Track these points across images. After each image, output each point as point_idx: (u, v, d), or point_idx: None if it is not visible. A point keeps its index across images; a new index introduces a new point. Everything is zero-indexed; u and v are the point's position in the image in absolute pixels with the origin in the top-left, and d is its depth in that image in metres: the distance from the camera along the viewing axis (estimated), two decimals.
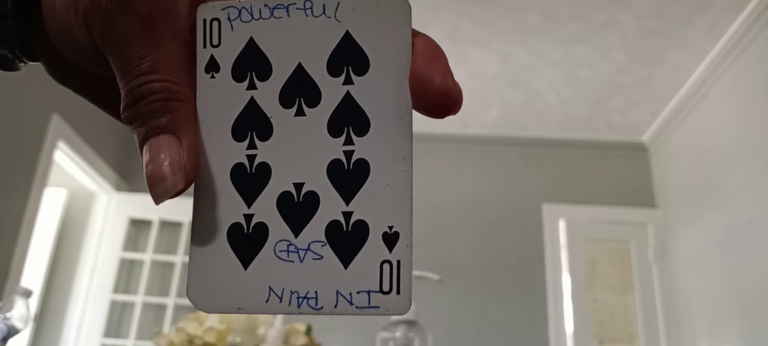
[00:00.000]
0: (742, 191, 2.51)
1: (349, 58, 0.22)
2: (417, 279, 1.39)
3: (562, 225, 3.29)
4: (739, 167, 2.53)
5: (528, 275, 3.21)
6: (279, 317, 1.17)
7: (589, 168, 3.42)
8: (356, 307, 0.21)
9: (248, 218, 0.22)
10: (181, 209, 3.14)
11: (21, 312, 1.23)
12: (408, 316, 1.30)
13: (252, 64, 0.22)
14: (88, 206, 3.18)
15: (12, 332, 1.21)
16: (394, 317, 1.31)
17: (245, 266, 0.21)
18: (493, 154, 3.46)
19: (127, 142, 3.30)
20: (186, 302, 3.07)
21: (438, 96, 0.21)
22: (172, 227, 3.22)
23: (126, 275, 3.16)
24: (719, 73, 2.68)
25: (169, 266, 3.17)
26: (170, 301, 3.07)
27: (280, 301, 0.21)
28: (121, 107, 0.21)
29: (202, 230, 0.22)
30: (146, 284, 3.09)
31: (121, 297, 3.08)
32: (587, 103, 3.12)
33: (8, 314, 1.22)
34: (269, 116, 0.22)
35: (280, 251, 0.21)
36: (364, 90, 0.22)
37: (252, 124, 0.22)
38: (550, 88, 3.02)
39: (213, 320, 1.14)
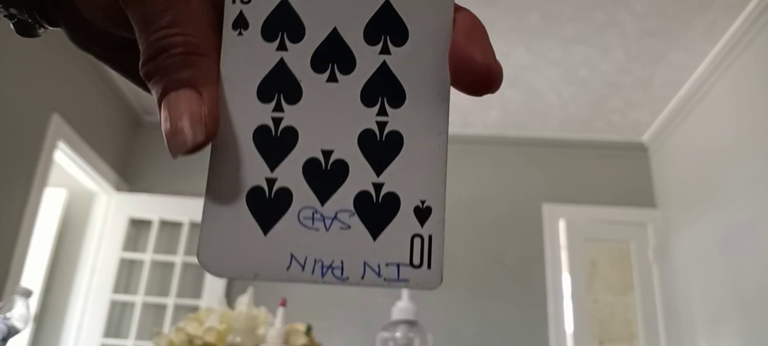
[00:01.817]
0: (742, 191, 2.51)
1: (387, 27, 0.21)
2: None
3: (562, 225, 3.29)
4: (739, 167, 2.53)
5: (528, 275, 3.22)
6: (279, 317, 1.17)
7: (589, 168, 3.42)
8: (385, 279, 0.20)
9: (271, 182, 0.21)
10: (180, 209, 3.14)
11: (21, 312, 1.23)
12: (408, 316, 1.30)
13: (284, 24, 0.21)
14: (88, 206, 3.18)
15: (12, 332, 1.21)
16: (395, 317, 1.31)
17: (265, 231, 0.20)
18: (494, 154, 3.46)
19: (127, 142, 3.31)
20: (186, 302, 3.07)
21: (478, 74, 0.20)
22: (172, 227, 3.22)
23: (126, 275, 3.16)
24: (719, 73, 2.68)
25: (169, 266, 3.17)
26: (170, 301, 3.07)
27: (303, 269, 0.20)
28: (140, 63, 0.21)
29: (218, 191, 0.21)
30: (146, 284, 3.09)
31: (121, 297, 3.08)
32: (587, 103, 3.12)
33: (8, 314, 1.22)
34: (299, 80, 0.21)
35: (304, 218, 0.20)
36: (401, 61, 0.21)
37: (280, 86, 0.21)
38: (550, 88, 3.02)
39: (213, 320, 1.14)
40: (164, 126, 0.20)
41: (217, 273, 0.21)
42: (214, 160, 0.21)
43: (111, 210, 3.16)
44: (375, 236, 0.20)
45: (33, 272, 2.89)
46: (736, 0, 2.37)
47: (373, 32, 0.21)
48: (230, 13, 0.21)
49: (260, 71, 0.21)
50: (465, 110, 3.25)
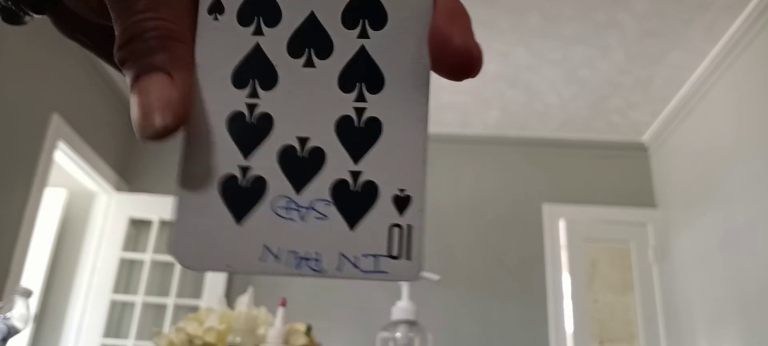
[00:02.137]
0: (742, 191, 2.51)
1: (365, 10, 0.21)
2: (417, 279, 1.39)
3: (562, 225, 3.29)
4: (739, 167, 2.53)
5: (528, 275, 3.22)
6: (279, 317, 1.17)
7: (589, 168, 3.42)
8: (362, 271, 0.19)
9: (244, 170, 0.20)
10: None
11: (21, 312, 1.23)
12: (408, 316, 1.30)
13: (261, 8, 0.21)
14: (88, 206, 3.18)
15: (12, 332, 1.21)
16: (395, 317, 1.31)
17: (238, 221, 0.20)
18: (494, 154, 3.46)
19: (127, 142, 3.30)
20: (186, 302, 3.07)
21: (457, 56, 0.20)
22: None
23: (126, 275, 3.16)
24: (719, 73, 2.68)
25: (169, 266, 3.17)
26: (170, 301, 3.07)
27: (277, 261, 0.19)
28: (115, 48, 0.20)
29: (190, 179, 0.20)
30: (146, 284, 3.09)
31: (121, 297, 3.08)
32: (587, 103, 3.12)
33: (8, 314, 1.22)
34: (275, 65, 0.21)
35: (278, 208, 0.20)
36: (380, 45, 0.21)
37: (255, 71, 0.21)
38: (550, 88, 3.02)
39: (213, 320, 1.14)
40: (134, 111, 0.19)
41: (188, 266, 0.20)
42: (187, 147, 0.20)
43: (111, 210, 3.16)
44: (352, 226, 0.20)
45: (33, 272, 2.89)
46: (736, 0, 2.37)
47: (352, 16, 0.21)
48: None
49: (235, 57, 0.21)
50: (465, 110, 3.25)
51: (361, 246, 0.20)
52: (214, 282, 3.06)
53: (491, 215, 3.34)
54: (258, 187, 0.20)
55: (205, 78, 0.21)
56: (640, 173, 3.41)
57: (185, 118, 0.20)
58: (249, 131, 0.20)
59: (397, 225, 0.20)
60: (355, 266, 0.19)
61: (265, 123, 0.20)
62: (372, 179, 0.20)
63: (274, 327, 1.15)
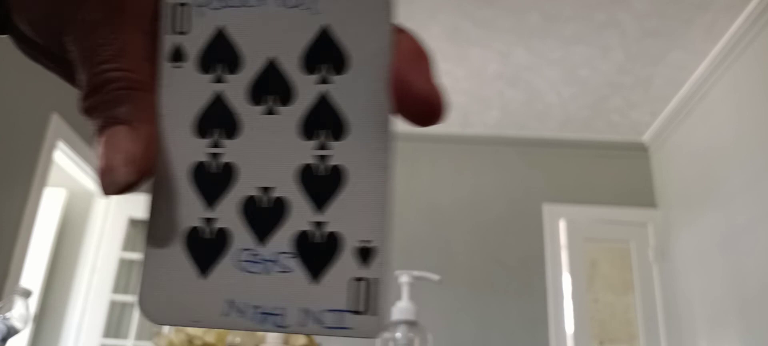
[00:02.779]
0: (742, 191, 2.51)
1: (326, 55, 0.20)
2: (417, 279, 1.39)
3: (562, 225, 3.29)
4: (739, 167, 2.53)
5: (528, 275, 3.21)
6: None
7: (589, 168, 3.42)
8: (325, 327, 0.19)
9: (209, 222, 0.20)
10: None
11: (20, 312, 1.23)
12: (408, 316, 1.30)
13: (221, 55, 0.21)
14: (88, 206, 3.18)
15: (11, 332, 1.21)
16: (395, 317, 1.31)
17: (203, 276, 0.20)
18: (493, 154, 3.46)
19: None
20: None
21: (418, 103, 0.19)
22: None
23: (126, 275, 3.16)
24: (719, 73, 2.68)
25: None
26: None
27: (241, 315, 0.19)
28: (81, 98, 0.20)
29: (156, 232, 0.20)
30: None
31: (121, 297, 3.08)
32: (587, 103, 3.12)
33: (8, 314, 1.22)
34: (237, 113, 0.20)
35: (242, 261, 0.20)
36: (341, 91, 0.20)
37: (218, 120, 0.20)
38: (550, 88, 3.02)
39: None
40: (98, 164, 0.19)
41: (157, 321, 0.20)
42: (152, 199, 0.20)
43: (111, 210, 3.16)
44: (315, 280, 0.19)
45: (33, 272, 2.89)
46: (736, 0, 2.37)
47: (312, 61, 0.20)
48: (167, 46, 0.21)
49: (197, 105, 0.20)
50: (465, 110, 3.25)
51: (324, 301, 0.19)
52: None
53: (491, 215, 3.33)
54: (222, 239, 0.20)
55: (169, 128, 0.20)
56: (640, 173, 3.41)
57: (149, 171, 0.19)
58: (212, 181, 0.20)
59: (361, 278, 0.19)
60: (318, 321, 0.19)
61: (229, 173, 0.20)
62: (335, 230, 0.19)
63: None
